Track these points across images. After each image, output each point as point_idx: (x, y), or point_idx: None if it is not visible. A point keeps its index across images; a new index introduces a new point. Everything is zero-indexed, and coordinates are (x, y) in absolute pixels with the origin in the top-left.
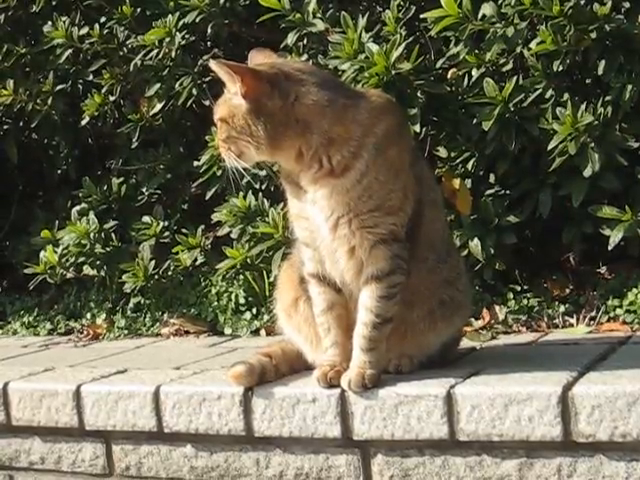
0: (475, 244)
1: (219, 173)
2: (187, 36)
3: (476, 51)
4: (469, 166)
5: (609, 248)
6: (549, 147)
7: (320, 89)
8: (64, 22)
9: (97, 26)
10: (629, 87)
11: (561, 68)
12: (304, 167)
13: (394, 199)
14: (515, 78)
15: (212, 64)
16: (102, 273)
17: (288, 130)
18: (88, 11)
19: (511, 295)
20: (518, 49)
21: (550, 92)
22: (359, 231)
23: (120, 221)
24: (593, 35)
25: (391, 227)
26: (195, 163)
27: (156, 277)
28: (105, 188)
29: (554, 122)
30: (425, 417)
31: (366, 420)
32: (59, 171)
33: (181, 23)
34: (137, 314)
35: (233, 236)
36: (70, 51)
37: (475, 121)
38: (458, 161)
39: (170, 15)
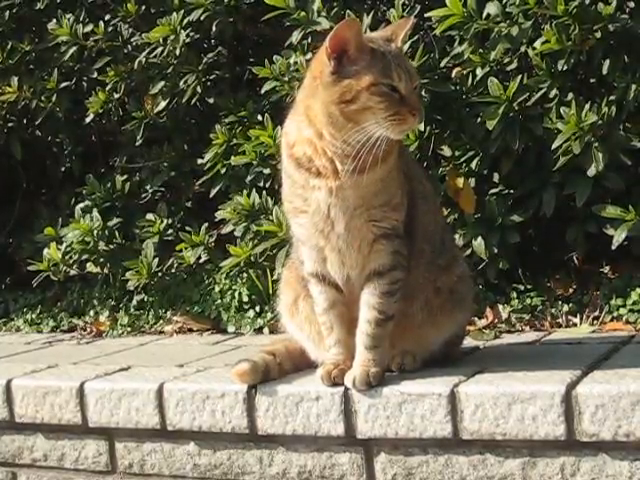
0: (479, 243)
1: (223, 171)
2: (192, 34)
3: (480, 50)
4: (473, 165)
5: (613, 247)
6: (553, 146)
7: None
8: (69, 19)
9: (102, 23)
10: (633, 87)
11: (565, 67)
12: None
13: (398, 195)
14: (519, 77)
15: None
16: (105, 270)
17: None
18: (93, 8)
19: (514, 294)
20: (522, 48)
21: (554, 91)
22: (366, 224)
23: (124, 218)
24: (598, 35)
25: (394, 222)
26: (199, 161)
27: (159, 275)
28: (109, 185)
29: (558, 121)
30: (429, 416)
31: (370, 418)
32: (63, 168)
33: (186, 21)
34: (140, 311)
35: (237, 234)
36: (74, 48)
37: (479, 120)
38: (462, 160)
39: (175, 13)
